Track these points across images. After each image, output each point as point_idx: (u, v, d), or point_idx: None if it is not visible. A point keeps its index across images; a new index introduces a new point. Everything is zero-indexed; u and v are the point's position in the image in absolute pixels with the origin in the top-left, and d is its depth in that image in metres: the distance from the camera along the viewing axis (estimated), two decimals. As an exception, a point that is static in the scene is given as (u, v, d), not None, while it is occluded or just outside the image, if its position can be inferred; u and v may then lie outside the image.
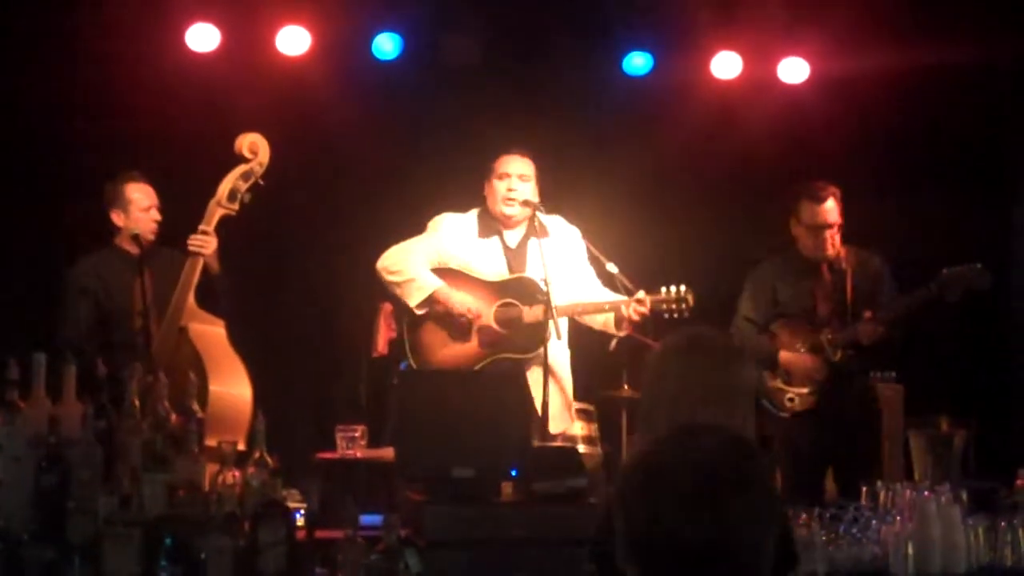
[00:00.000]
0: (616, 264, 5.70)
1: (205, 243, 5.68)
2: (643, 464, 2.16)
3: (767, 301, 6.25)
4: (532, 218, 5.77)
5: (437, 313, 5.77)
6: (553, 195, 5.95)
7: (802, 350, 6.12)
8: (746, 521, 2.08)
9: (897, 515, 4.33)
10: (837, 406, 6.07)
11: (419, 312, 5.76)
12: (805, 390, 6.12)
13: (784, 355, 6.15)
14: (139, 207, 5.90)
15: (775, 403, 6.13)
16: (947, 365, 7.18)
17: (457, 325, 5.77)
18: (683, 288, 5.69)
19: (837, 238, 6.11)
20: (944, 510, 4.33)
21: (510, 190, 5.81)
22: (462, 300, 5.74)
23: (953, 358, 7.29)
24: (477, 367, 5.70)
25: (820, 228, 6.08)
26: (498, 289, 5.81)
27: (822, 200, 6.06)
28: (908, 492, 4.43)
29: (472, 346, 5.78)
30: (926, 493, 4.38)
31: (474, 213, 5.95)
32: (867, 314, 6.01)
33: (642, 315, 5.65)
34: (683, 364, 3.03)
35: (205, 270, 5.67)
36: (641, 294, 5.64)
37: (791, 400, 6.11)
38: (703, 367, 3.02)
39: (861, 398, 6.20)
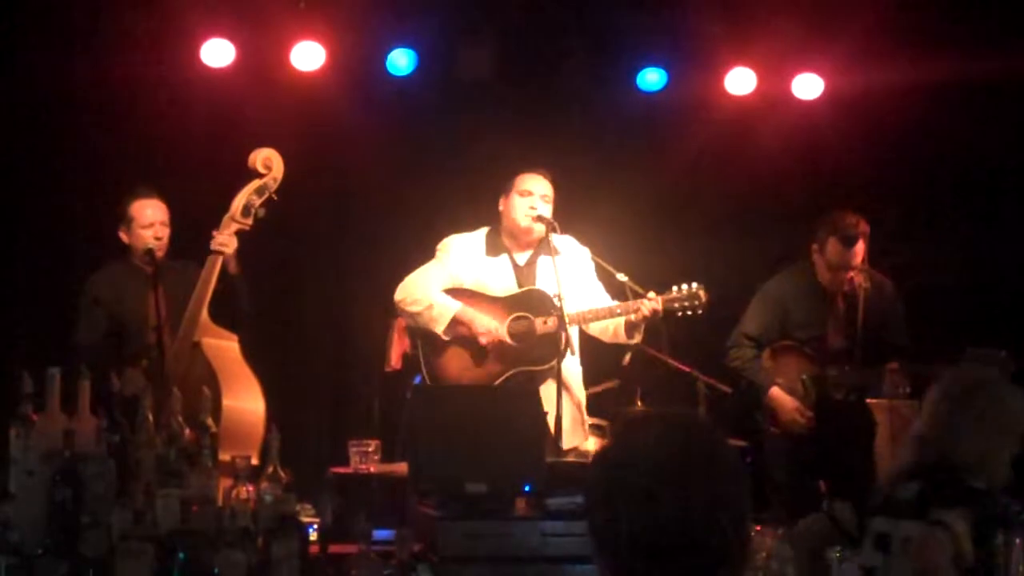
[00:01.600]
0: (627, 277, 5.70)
1: (226, 242, 5.66)
2: (597, 463, 2.09)
3: (776, 320, 6.17)
4: (546, 236, 5.76)
5: (458, 335, 5.78)
6: (565, 210, 5.93)
7: (799, 387, 6.06)
8: (708, 507, 2.00)
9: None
10: (828, 428, 6.03)
11: (446, 337, 5.77)
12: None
13: (775, 393, 6.09)
14: (141, 224, 5.88)
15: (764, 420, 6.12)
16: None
17: (476, 345, 5.77)
18: (695, 285, 5.67)
19: (858, 275, 6.05)
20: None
21: (532, 208, 5.80)
22: (484, 323, 5.74)
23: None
24: (496, 383, 5.69)
25: (845, 269, 6.03)
26: (509, 304, 5.80)
27: (852, 243, 5.95)
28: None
29: (489, 363, 5.77)
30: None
31: (482, 232, 5.94)
32: (892, 365, 5.95)
33: (654, 311, 5.63)
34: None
35: (224, 273, 5.65)
36: (652, 294, 5.64)
37: (774, 428, 6.10)
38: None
39: (856, 420, 6.15)
